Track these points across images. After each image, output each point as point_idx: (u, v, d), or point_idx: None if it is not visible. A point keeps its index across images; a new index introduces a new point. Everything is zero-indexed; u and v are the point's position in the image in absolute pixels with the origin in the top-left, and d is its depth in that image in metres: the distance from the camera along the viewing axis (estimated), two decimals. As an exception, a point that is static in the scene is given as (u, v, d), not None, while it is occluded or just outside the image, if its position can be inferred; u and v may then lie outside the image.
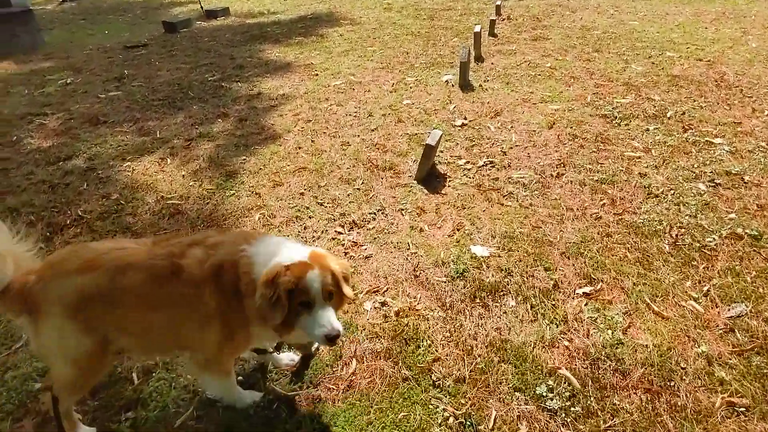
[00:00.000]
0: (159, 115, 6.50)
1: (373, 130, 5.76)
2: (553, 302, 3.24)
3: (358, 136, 5.66)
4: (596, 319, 3.11)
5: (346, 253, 3.71)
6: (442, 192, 4.55)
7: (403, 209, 4.31)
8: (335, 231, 3.96)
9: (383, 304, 3.31)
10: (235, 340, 2.33)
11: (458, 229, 4.02)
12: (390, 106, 6.35)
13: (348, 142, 5.51)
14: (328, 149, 5.40)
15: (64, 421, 2.38)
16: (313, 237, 3.91)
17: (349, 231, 3.97)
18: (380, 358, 2.93)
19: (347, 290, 2.25)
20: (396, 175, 4.80)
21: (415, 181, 4.69)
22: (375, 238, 3.87)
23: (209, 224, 4.14)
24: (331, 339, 2.10)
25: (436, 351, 2.94)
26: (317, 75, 7.65)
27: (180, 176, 4.99)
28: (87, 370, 2.28)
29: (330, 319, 2.13)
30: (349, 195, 4.50)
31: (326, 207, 4.29)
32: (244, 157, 5.32)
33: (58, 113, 6.62)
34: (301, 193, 4.60)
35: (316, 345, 2.90)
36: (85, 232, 4.07)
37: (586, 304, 3.23)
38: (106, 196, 4.64)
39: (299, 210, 4.30)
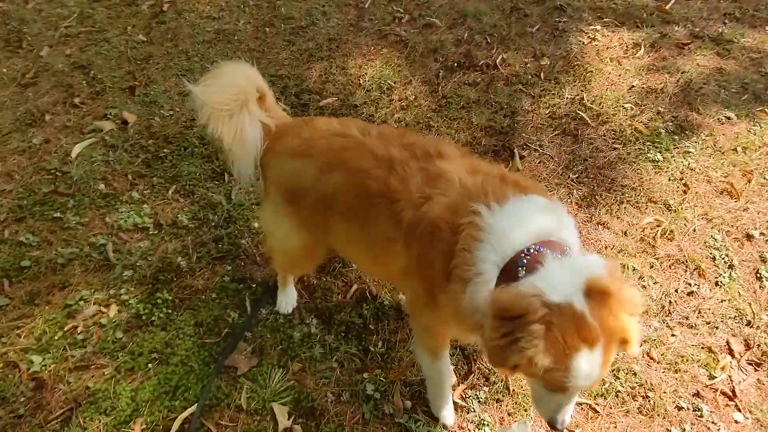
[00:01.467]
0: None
1: None
2: None
3: None
4: None
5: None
6: None
7: None
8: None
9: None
10: (436, 315, 1.83)
11: None
12: None
13: None
14: None
15: (279, 279, 2.60)
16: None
17: None
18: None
19: (635, 348, 1.49)
20: None
21: None
22: None
23: None
24: (553, 427, 1.66)
25: None
26: None
27: (627, 85, 3.83)
28: (293, 257, 2.35)
29: (564, 409, 1.61)
30: None
31: (743, 305, 2.67)
32: (727, 114, 3.61)
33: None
34: (748, 236, 2.97)
35: None
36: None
37: None
38: (535, 56, 4.01)
39: (713, 258, 2.86)
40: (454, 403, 2.32)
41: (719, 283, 2.73)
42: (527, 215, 1.57)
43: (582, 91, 3.80)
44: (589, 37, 4.23)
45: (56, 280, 2.71)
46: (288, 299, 2.65)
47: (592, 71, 3.93)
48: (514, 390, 2.38)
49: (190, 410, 2.25)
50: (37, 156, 3.35)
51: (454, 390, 2.34)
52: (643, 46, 4.12)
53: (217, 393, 2.33)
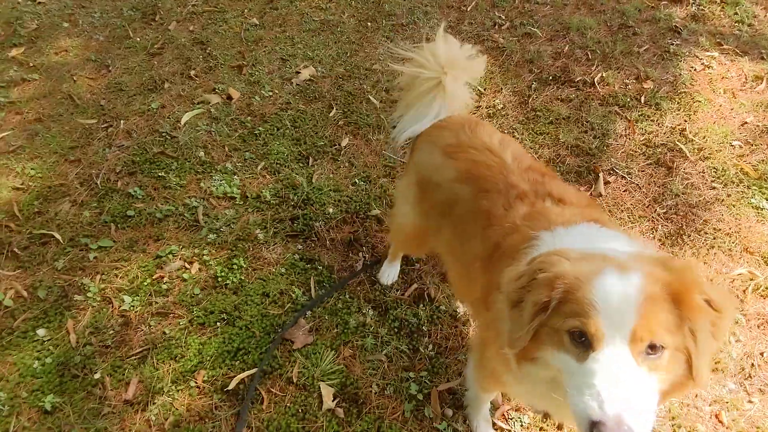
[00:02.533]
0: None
1: None
2: None
3: None
4: None
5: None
6: None
7: None
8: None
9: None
10: (486, 352, 1.82)
11: None
12: None
13: None
14: None
15: (390, 251, 2.83)
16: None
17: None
18: None
19: (704, 369, 1.16)
20: None
21: None
22: None
23: None
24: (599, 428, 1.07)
25: None
26: None
27: None
28: (406, 234, 2.51)
29: (624, 390, 1.09)
30: None
31: None
32: None
33: None
34: None
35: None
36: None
37: None
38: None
39: None
40: (495, 423, 2.34)
41: (810, 352, 2.50)
42: (589, 234, 1.55)
43: (685, 121, 3.58)
44: (703, 63, 3.97)
45: (153, 232, 3.02)
46: (391, 272, 2.86)
47: (700, 101, 3.69)
48: (560, 424, 2.35)
49: (247, 372, 2.45)
50: (153, 119, 3.72)
51: (497, 409, 2.37)
52: (765, 80, 3.80)
53: (272, 362, 2.51)
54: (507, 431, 2.33)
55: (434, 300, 2.75)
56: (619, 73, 3.95)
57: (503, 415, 2.38)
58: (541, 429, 2.33)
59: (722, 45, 4.11)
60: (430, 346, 2.57)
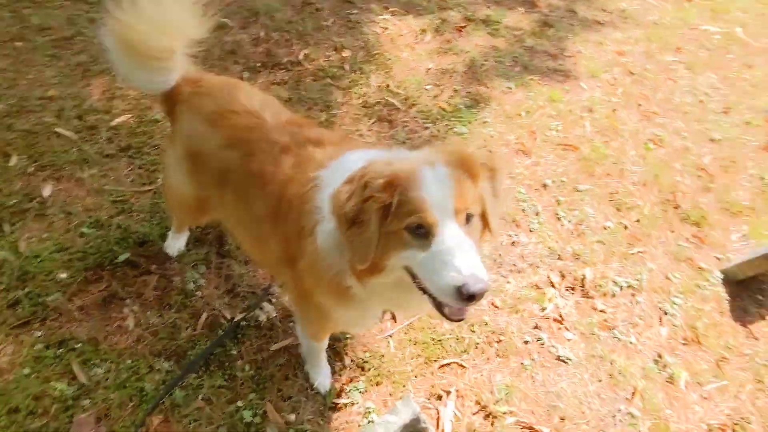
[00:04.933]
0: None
1: (712, 140, 4.04)
2: None
3: (684, 137, 4.00)
4: None
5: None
6: (753, 328, 2.91)
7: (666, 312, 2.88)
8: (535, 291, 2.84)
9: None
10: (310, 301, 1.86)
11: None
12: (766, 115, 4.36)
13: (661, 140, 3.93)
14: (627, 135, 3.90)
15: (173, 224, 2.71)
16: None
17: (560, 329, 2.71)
18: None
19: (494, 221, 1.47)
20: (696, 242, 3.28)
21: (721, 276, 3.10)
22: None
23: None
24: (469, 296, 1.26)
25: None
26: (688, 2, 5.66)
27: (424, 68, 4.11)
28: (184, 205, 2.42)
29: (467, 256, 1.30)
30: (605, 228, 3.26)
31: (552, 243, 3.08)
32: (511, 85, 4.12)
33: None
34: (544, 184, 3.46)
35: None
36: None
37: None
38: (336, 49, 3.99)
39: (523, 210, 3.25)
40: (336, 403, 2.31)
41: (531, 229, 3.17)
42: (359, 159, 1.64)
43: (387, 78, 4.02)
44: (381, 27, 4.49)
45: None
46: (177, 243, 2.74)
47: (391, 58, 4.19)
48: (389, 370, 2.44)
49: None
50: None
51: (335, 391, 2.35)
52: (428, 32, 4.53)
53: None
54: (350, 402, 2.34)
55: (232, 318, 2.50)
56: (318, 47, 4.17)
57: (341, 390, 2.37)
58: (376, 384, 2.40)
59: (389, 8, 4.71)
60: (247, 366, 2.35)
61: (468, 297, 1.25)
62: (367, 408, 2.31)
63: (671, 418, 2.48)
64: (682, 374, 2.62)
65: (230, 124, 1.99)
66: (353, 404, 2.32)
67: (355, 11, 4.57)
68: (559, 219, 3.26)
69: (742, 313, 2.96)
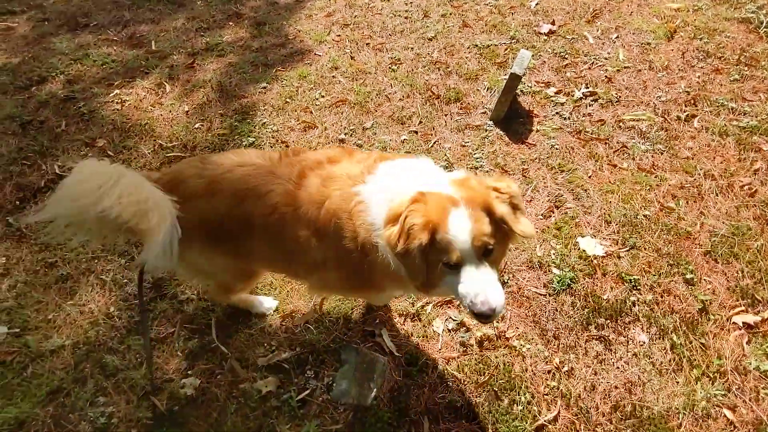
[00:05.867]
0: (154, 15, 5.41)
1: (430, 39, 4.70)
2: (702, 338, 2.49)
3: (411, 48, 4.63)
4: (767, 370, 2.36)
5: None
6: (529, 140, 3.61)
7: (477, 167, 3.44)
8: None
9: (460, 325, 2.64)
10: (364, 291, 2.34)
11: (557, 206, 3.18)
12: (450, 2, 5.22)
13: (398, 59, 4.50)
14: (374, 70, 4.40)
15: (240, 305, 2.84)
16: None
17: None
18: (461, 418, 2.30)
19: (522, 226, 1.75)
20: (465, 111, 3.95)
21: (491, 122, 3.78)
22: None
23: None
24: (484, 317, 1.70)
25: (539, 413, 2.32)
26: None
27: (182, 112, 3.91)
28: (231, 284, 2.53)
29: (484, 286, 1.69)
30: (403, 142, 3.60)
31: None
32: (264, 84, 4.15)
33: (29, 11, 5.51)
34: (341, 140, 3.72)
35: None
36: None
37: (748, 342, 2.45)
38: (90, 143, 3.89)
39: None
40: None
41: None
42: (393, 171, 1.95)
43: (155, 140, 3.96)
44: (117, 102, 4.35)
45: None
46: (265, 300, 2.86)
47: (147, 122, 4.11)
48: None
49: None
50: None
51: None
52: (165, 83, 4.51)
53: None
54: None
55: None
56: (69, 153, 3.94)
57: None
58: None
59: (113, 84, 4.58)
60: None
61: (482, 315, 1.69)
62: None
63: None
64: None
65: (228, 183, 2.03)
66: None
67: (81, 103, 4.38)
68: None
69: (518, 136, 3.76)
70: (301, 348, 2.67)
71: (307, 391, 2.51)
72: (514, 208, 1.77)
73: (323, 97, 4.25)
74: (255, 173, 2.04)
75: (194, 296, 2.92)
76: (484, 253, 1.71)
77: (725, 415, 2.27)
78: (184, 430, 2.41)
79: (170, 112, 4.22)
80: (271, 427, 2.40)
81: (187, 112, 4.21)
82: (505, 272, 2.89)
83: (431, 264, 1.74)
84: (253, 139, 3.90)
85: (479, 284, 1.69)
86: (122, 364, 2.64)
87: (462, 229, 1.67)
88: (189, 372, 2.62)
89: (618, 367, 2.47)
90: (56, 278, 3.03)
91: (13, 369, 2.64)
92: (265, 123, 4.05)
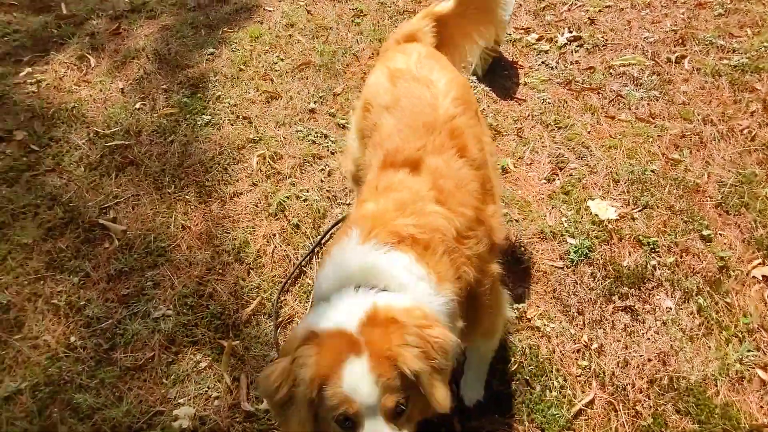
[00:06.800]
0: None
1: None
2: (726, 297, 2.39)
3: None
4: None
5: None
6: (518, 95, 3.32)
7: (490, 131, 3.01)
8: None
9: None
10: None
11: (560, 167, 2.92)
12: None
13: (361, 10, 4.07)
14: (335, 24, 3.98)
15: None
16: (344, 188, 2.90)
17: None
18: (492, 412, 2.09)
19: (438, 395, 1.36)
20: None
21: (474, 78, 3.43)
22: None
23: (184, 181, 2.92)
24: None
25: (574, 396, 2.13)
26: None
27: (116, 90, 3.37)
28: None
29: None
30: None
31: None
32: (211, 50, 3.65)
33: None
34: (311, 110, 3.30)
35: None
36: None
37: (770, 295, 2.30)
38: (5, 138, 3.24)
39: (314, 140, 3.07)
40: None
41: (333, 152, 3.17)
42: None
43: (90, 126, 3.36)
44: (32, 84, 3.66)
45: None
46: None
47: (74, 106, 3.49)
48: None
49: None
50: None
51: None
52: (88, 56, 3.88)
53: None
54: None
55: None
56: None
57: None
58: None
59: (22, 60, 3.87)
60: None
61: None
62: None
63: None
64: (506, 160, 3.04)
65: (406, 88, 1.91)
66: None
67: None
68: (342, 127, 3.31)
69: (506, 91, 3.48)
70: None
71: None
72: (434, 369, 1.39)
73: (282, 60, 3.74)
74: (425, 111, 1.91)
75: (170, 311, 2.53)
76: (394, 412, 1.36)
77: (759, 376, 2.20)
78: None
79: (101, 91, 3.58)
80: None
81: (122, 89, 3.59)
82: (516, 246, 2.67)
83: (321, 421, 1.41)
84: (209, 117, 3.38)
85: None
86: (97, 402, 2.24)
87: (360, 380, 1.33)
88: (180, 401, 2.27)
89: (648, 338, 2.34)
90: (-6, 309, 2.53)
91: (-40, 427, 2.20)
92: (220, 96, 3.52)
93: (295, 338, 1.45)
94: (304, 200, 2.91)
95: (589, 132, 3.17)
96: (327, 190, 2.95)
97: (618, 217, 2.73)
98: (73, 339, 2.44)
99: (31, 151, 3.19)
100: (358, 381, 1.32)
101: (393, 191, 1.70)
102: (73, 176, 3.06)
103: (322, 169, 3.06)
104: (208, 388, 2.30)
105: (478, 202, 1.79)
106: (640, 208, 2.78)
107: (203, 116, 3.37)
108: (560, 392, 2.18)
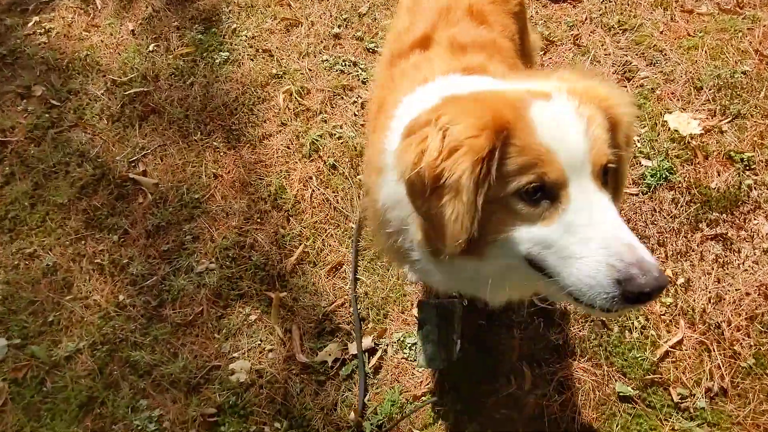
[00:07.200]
0: None
1: None
2: None
3: None
4: None
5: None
6: None
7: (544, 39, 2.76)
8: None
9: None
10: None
11: (628, 78, 2.59)
12: None
13: None
14: None
15: None
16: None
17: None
18: (566, 357, 1.97)
19: (625, 184, 1.02)
20: None
21: None
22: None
23: (210, 126, 2.83)
24: (637, 295, 0.84)
25: (659, 337, 1.96)
26: None
27: (127, 33, 3.28)
28: None
29: (623, 233, 0.87)
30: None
31: None
32: None
33: None
34: (336, 35, 3.07)
35: None
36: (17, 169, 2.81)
37: None
38: (25, 94, 3.11)
39: (342, 69, 2.89)
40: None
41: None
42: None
43: (106, 75, 3.16)
44: (42, 33, 3.43)
45: None
46: None
47: (88, 54, 3.28)
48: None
49: None
50: None
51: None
52: (93, -4, 3.62)
53: None
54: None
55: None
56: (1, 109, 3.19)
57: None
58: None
59: (27, 9, 3.65)
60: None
61: (634, 297, 0.86)
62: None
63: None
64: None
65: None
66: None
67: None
68: (372, 52, 3.00)
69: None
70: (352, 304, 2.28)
71: (377, 354, 2.18)
72: (628, 141, 1.06)
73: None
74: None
75: (213, 265, 2.46)
76: (603, 175, 0.97)
77: None
78: (249, 423, 2.11)
79: (111, 35, 3.35)
80: (347, 402, 2.10)
81: (133, 31, 3.34)
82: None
83: (485, 206, 0.94)
84: (227, 54, 3.12)
85: (614, 230, 0.88)
86: (153, 359, 2.26)
87: (568, 125, 0.92)
88: (234, 355, 2.25)
89: (746, 269, 2.10)
90: (42, 271, 2.52)
91: (29, 386, 2.25)
92: (235, 29, 3.24)
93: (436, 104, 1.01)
94: (339, 137, 2.71)
95: (661, 32, 2.75)
96: (362, 125, 2.72)
97: (703, 131, 2.39)
98: (121, 297, 2.42)
99: (52, 107, 3.06)
100: (563, 127, 0.91)
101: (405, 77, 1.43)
102: (97, 130, 2.94)
103: (354, 102, 2.82)
104: (261, 341, 2.27)
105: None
106: (729, 119, 2.43)
107: (221, 53, 3.12)
108: (642, 333, 2.02)
